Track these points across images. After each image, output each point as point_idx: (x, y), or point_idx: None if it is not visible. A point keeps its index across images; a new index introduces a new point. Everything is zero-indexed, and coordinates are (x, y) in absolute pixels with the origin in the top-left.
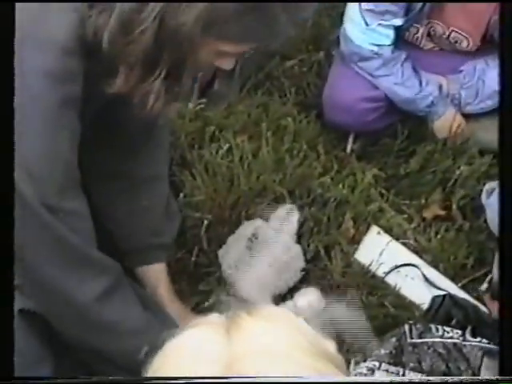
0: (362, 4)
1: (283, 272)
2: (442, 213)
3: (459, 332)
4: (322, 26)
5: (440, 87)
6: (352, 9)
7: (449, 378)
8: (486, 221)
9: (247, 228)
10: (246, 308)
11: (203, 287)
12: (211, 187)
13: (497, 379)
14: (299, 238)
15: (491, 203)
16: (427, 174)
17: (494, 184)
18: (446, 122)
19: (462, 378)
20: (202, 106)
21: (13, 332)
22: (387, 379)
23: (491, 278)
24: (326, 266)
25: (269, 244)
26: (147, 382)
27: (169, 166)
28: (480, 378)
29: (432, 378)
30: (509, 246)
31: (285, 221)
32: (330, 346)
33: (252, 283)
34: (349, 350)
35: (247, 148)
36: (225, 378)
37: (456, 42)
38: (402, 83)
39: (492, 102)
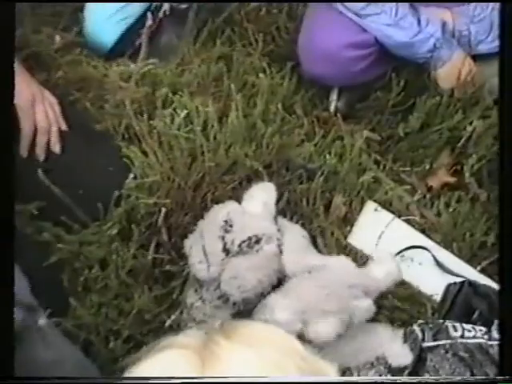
0: None
1: (266, 266)
2: (452, 180)
3: (483, 329)
4: None
5: (444, 25)
6: None
7: (450, 378)
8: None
9: (218, 213)
10: (222, 328)
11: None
12: (167, 165)
13: (497, 379)
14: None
15: None
16: (431, 133)
17: None
18: (452, 68)
19: (462, 377)
20: (151, 66)
21: (13, 332)
22: (387, 379)
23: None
24: None
25: (247, 232)
26: (150, 382)
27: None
28: (480, 378)
29: (431, 378)
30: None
31: (262, 202)
32: (328, 369)
33: (231, 282)
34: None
35: (210, 113)
36: (224, 377)
37: None
38: (395, 24)
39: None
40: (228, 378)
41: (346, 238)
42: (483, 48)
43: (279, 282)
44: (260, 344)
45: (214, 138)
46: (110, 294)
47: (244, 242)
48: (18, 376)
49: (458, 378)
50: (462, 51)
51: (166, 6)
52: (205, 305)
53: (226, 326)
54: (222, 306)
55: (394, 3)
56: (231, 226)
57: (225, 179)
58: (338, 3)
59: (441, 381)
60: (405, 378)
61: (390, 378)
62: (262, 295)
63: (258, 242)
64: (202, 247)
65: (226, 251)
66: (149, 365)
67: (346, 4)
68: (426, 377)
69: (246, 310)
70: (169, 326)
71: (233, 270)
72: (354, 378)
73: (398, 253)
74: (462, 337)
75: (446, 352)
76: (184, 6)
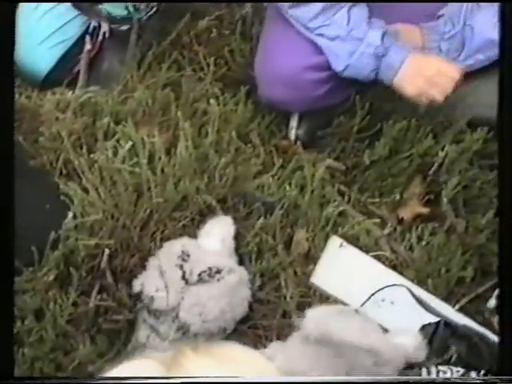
0: None
1: (229, 296)
2: (425, 210)
3: (460, 370)
4: None
5: (384, 33)
6: None
7: (451, 378)
8: (495, 214)
9: (173, 245)
10: (192, 343)
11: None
12: (111, 202)
13: (497, 379)
14: (240, 258)
15: None
16: (400, 160)
17: None
18: (409, 73)
19: (463, 377)
20: (90, 94)
21: (13, 332)
22: (387, 379)
23: (501, 292)
24: (277, 296)
25: (206, 263)
26: (149, 382)
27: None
28: (480, 378)
29: (431, 378)
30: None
31: (219, 238)
32: None
33: (192, 310)
34: None
35: (157, 145)
36: (222, 377)
37: None
38: (344, 37)
39: (485, 57)
40: (227, 378)
41: (309, 277)
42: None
43: None
44: (225, 358)
45: (162, 171)
46: (46, 347)
47: (204, 271)
48: (18, 376)
49: (461, 378)
50: (415, 52)
51: (106, 27)
52: (162, 340)
53: (194, 345)
54: (181, 338)
55: (346, 13)
56: (188, 255)
57: (175, 216)
58: (287, 15)
59: (440, 381)
60: (405, 378)
61: (390, 377)
62: (225, 332)
63: (219, 272)
64: (160, 274)
65: (185, 280)
66: (117, 371)
67: (294, 14)
68: (426, 377)
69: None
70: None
71: (193, 297)
72: (355, 378)
73: (373, 294)
74: (434, 382)
75: None
76: (125, 27)
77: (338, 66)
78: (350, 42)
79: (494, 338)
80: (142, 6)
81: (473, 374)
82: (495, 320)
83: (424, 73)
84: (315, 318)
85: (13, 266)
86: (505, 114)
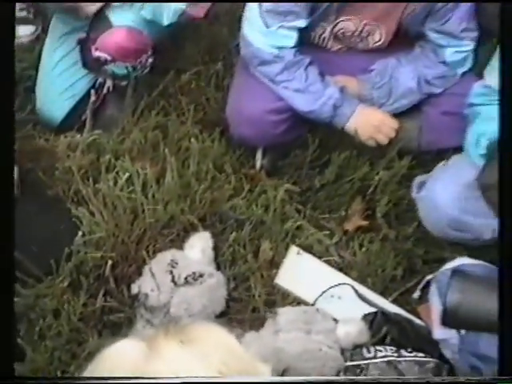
0: (263, 5)
1: (209, 294)
2: (365, 223)
3: (394, 349)
4: (217, 33)
5: (342, 88)
6: (251, 11)
7: (450, 378)
8: (413, 224)
9: (164, 255)
10: (166, 327)
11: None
12: (112, 222)
13: (497, 379)
14: (218, 265)
15: (424, 196)
16: (344, 183)
17: (423, 177)
18: (359, 121)
19: (462, 377)
20: (95, 136)
21: (13, 332)
22: (387, 379)
23: (424, 286)
24: (248, 294)
25: (191, 268)
26: (146, 382)
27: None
28: (480, 378)
29: (431, 378)
30: (508, 246)
31: (201, 249)
32: (264, 369)
33: (180, 306)
34: None
35: (149, 175)
36: (222, 377)
37: (368, 35)
38: (304, 89)
39: (407, 101)
40: (227, 378)
41: (273, 279)
42: (385, 110)
43: None
44: (196, 339)
45: (153, 196)
46: (62, 340)
47: (189, 275)
48: (18, 376)
49: (459, 378)
50: (363, 104)
51: (110, 83)
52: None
53: (166, 329)
54: None
55: (304, 71)
56: (176, 263)
57: (164, 233)
58: (255, 71)
59: (440, 381)
60: (404, 378)
61: (390, 377)
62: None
63: (201, 276)
64: (153, 278)
65: (174, 282)
66: (102, 355)
67: (262, 70)
68: (426, 377)
69: None
70: None
71: (181, 296)
72: (355, 378)
73: (324, 291)
74: (375, 357)
75: (361, 371)
76: (124, 83)
77: (303, 109)
78: (309, 94)
79: (420, 322)
80: (138, 66)
81: (403, 352)
82: (420, 308)
83: (371, 122)
84: (286, 314)
85: (13, 268)
86: (505, 115)
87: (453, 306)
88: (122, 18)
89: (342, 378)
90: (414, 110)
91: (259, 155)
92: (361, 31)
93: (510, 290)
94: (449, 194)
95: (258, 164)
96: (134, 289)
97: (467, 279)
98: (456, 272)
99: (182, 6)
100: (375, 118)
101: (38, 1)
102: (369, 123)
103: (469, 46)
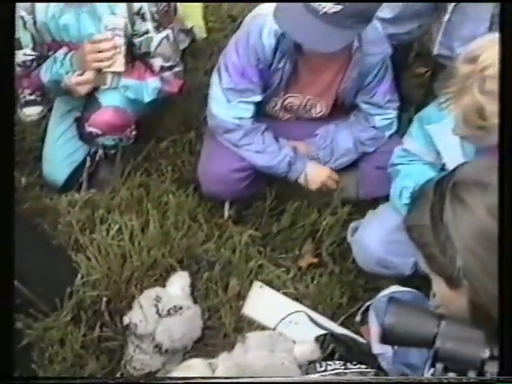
0: (224, 83)
1: (188, 324)
2: (315, 260)
3: (341, 363)
4: (190, 108)
5: (294, 149)
6: (215, 89)
7: (449, 378)
8: (353, 260)
9: (150, 292)
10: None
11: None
12: (105, 266)
13: (497, 379)
14: (194, 299)
15: (356, 240)
16: (298, 228)
17: (356, 223)
18: (310, 175)
19: (462, 377)
20: (90, 195)
21: (13, 332)
22: (388, 379)
23: (364, 310)
24: (220, 323)
25: (171, 304)
26: (147, 382)
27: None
28: (480, 378)
29: (431, 378)
30: (508, 246)
31: (180, 286)
32: None
33: (163, 333)
34: None
35: (135, 226)
36: (225, 378)
37: (311, 107)
38: (262, 150)
39: (346, 159)
40: (229, 378)
41: (240, 309)
42: (329, 166)
43: None
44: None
45: (139, 244)
46: (67, 364)
47: (171, 308)
48: (18, 376)
49: (459, 378)
50: (312, 162)
51: (101, 152)
52: (144, 355)
53: None
54: (156, 353)
55: (261, 136)
56: (160, 298)
57: (149, 274)
58: (221, 138)
59: (439, 381)
60: (404, 378)
61: (390, 377)
62: (186, 348)
63: (181, 308)
64: (141, 309)
65: (159, 314)
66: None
67: (227, 137)
68: (426, 377)
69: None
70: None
71: (164, 325)
72: (355, 378)
73: (283, 318)
74: (326, 370)
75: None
76: (113, 151)
77: (263, 165)
78: (267, 154)
79: (362, 340)
80: (124, 138)
81: (349, 365)
82: (362, 329)
83: (319, 176)
84: (254, 337)
85: (13, 271)
86: (505, 117)
87: (389, 327)
88: (109, 99)
89: (345, 378)
90: (352, 166)
91: (227, 207)
92: (305, 105)
93: (510, 289)
94: (375, 239)
95: (226, 214)
96: (126, 320)
97: (401, 305)
98: (392, 299)
99: (158, 84)
100: (322, 173)
101: (38, 1)
102: (317, 177)
103: (392, 113)
